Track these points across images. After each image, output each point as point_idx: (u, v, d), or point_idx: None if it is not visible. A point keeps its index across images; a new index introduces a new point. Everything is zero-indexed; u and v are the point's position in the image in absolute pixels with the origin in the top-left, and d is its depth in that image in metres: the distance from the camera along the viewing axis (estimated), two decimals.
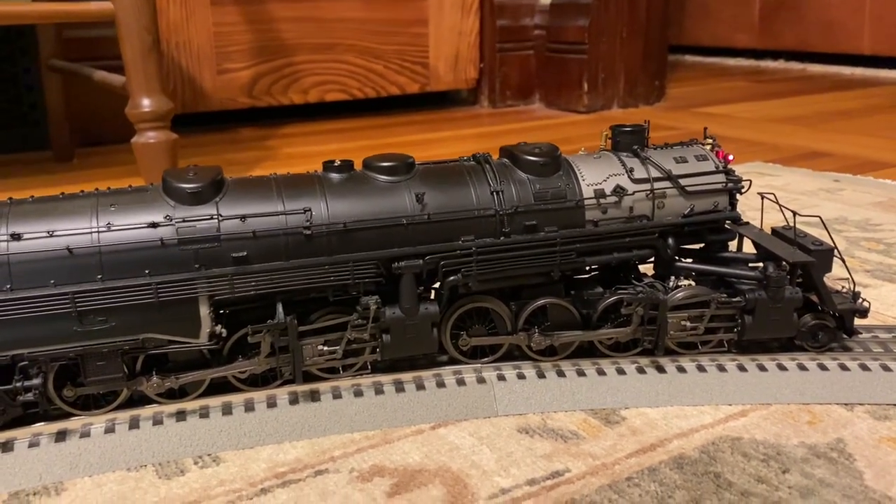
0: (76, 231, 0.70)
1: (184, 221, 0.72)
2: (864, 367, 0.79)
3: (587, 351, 0.84)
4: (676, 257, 0.85)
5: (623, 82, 2.59)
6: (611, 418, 0.76)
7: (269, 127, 2.35)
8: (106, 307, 0.70)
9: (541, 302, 0.81)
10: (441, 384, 0.78)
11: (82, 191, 0.75)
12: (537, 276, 0.81)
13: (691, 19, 3.90)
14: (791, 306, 0.81)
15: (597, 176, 0.82)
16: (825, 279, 0.83)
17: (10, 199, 0.73)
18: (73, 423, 0.73)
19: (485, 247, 0.78)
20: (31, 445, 0.69)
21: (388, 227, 0.76)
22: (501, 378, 0.79)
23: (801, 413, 0.76)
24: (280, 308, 0.75)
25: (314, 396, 0.76)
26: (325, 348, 0.77)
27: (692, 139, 0.88)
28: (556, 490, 0.65)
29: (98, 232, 0.70)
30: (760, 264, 0.84)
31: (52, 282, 0.69)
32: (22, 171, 1.86)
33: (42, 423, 0.73)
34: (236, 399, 0.76)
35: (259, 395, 0.76)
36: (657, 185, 0.82)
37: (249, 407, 0.75)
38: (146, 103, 1.41)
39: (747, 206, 0.97)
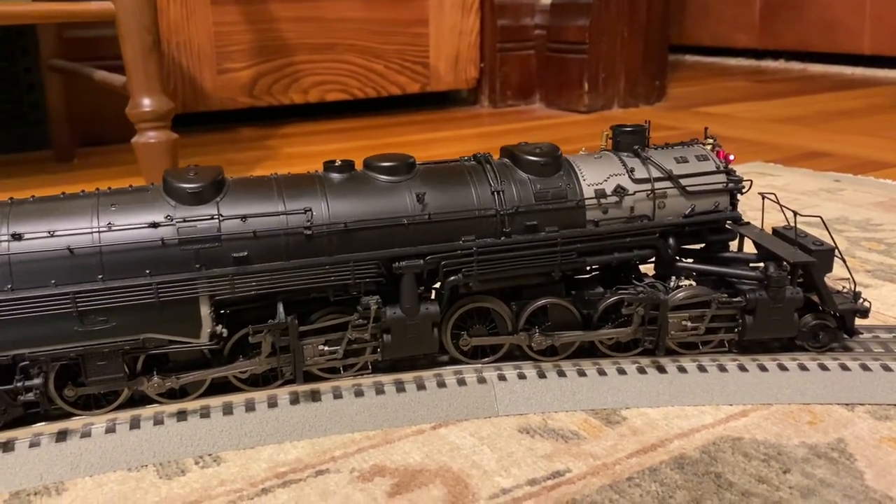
0: (77, 231, 0.70)
1: (184, 221, 0.72)
2: (865, 368, 0.79)
3: (588, 351, 0.83)
4: (677, 257, 0.85)
5: (623, 82, 2.59)
6: (612, 418, 0.76)
7: (269, 127, 2.35)
8: (107, 307, 0.70)
9: (541, 302, 0.81)
10: (442, 384, 0.78)
11: (83, 191, 0.75)
12: (538, 276, 0.81)
13: (692, 19, 3.90)
14: (792, 306, 0.81)
15: (597, 176, 0.82)
16: (826, 279, 0.83)
17: (11, 198, 0.73)
18: (74, 423, 0.73)
19: (485, 247, 0.78)
20: (32, 445, 0.69)
21: (388, 227, 0.76)
22: (502, 378, 0.79)
23: (801, 413, 0.76)
24: (281, 308, 0.75)
25: (315, 396, 0.76)
26: (326, 348, 0.77)
27: (693, 139, 0.88)
28: (556, 490, 0.65)
29: (99, 232, 0.70)
30: (761, 264, 0.84)
31: (52, 282, 0.69)
32: (22, 170, 1.86)
33: (43, 423, 0.73)
34: (237, 399, 0.76)
35: (260, 395, 0.76)
36: (658, 185, 0.82)
37: (250, 407, 0.75)
38: (147, 103, 1.41)
39: (748, 206, 0.97)
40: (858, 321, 0.84)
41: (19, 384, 0.71)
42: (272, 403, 0.75)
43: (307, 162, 1.84)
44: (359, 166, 0.80)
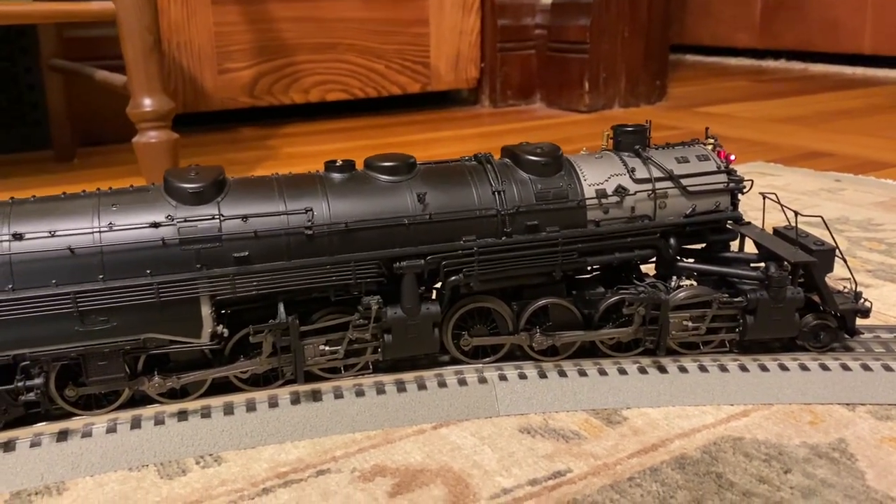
0: (78, 231, 0.70)
1: (185, 221, 0.72)
2: (866, 368, 0.79)
3: (589, 351, 0.83)
4: (678, 257, 0.85)
5: (624, 82, 2.59)
6: (612, 418, 0.76)
7: (270, 126, 2.35)
8: (107, 307, 0.70)
9: (542, 302, 0.81)
10: (443, 384, 0.78)
11: (84, 190, 0.75)
12: (539, 276, 0.81)
13: (692, 19, 3.89)
14: (793, 306, 0.81)
15: (598, 176, 0.82)
16: (827, 279, 0.83)
17: (12, 198, 0.73)
18: (75, 423, 0.73)
19: (486, 247, 0.78)
20: (33, 445, 0.69)
21: (389, 226, 0.76)
22: (503, 378, 0.79)
23: (802, 413, 0.76)
24: (282, 308, 0.75)
25: (316, 396, 0.76)
26: (327, 348, 0.77)
27: (694, 139, 0.88)
28: (557, 490, 0.65)
29: (100, 232, 0.70)
30: (762, 264, 0.84)
31: (53, 282, 0.69)
32: (23, 170, 1.86)
33: (44, 423, 0.73)
34: (238, 399, 0.76)
35: (261, 395, 0.76)
36: (659, 185, 0.82)
37: (251, 407, 0.75)
38: (147, 103, 1.41)
39: (749, 206, 0.97)
40: (859, 321, 0.84)
41: (20, 384, 0.70)
42: (273, 403, 0.75)
43: (308, 162, 1.84)
44: (359, 166, 0.80)
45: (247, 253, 0.73)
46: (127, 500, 0.65)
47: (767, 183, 1.55)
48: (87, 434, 0.71)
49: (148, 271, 0.71)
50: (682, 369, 0.80)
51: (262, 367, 0.76)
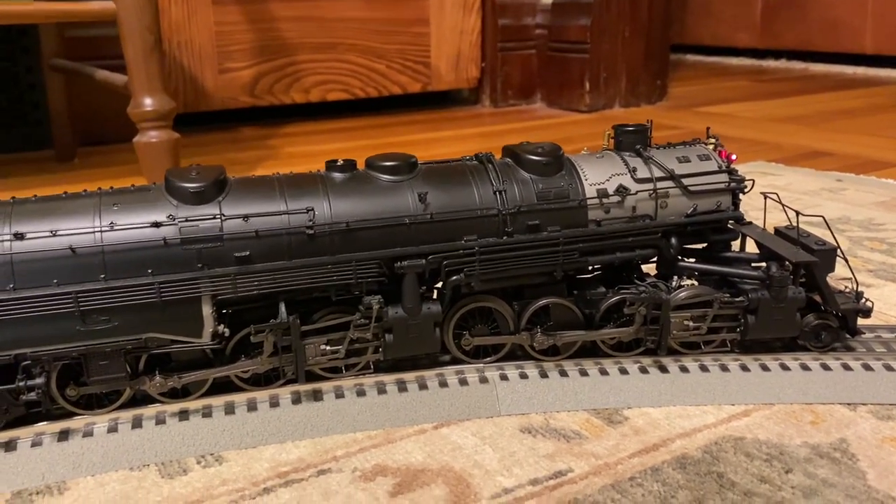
0: (79, 230, 0.70)
1: (186, 221, 0.72)
2: (867, 367, 0.79)
3: (590, 351, 0.83)
4: (679, 257, 0.85)
5: (625, 81, 2.59)
6: (613, 418, 0.76)
7: (270, 126, 2.35)
8: (109, 307, 0.70)
9: (543, 302, 0.81)
10: (444, 384, 0.78)
11: (85, 190, 0.75)
12: (540, 276, 0.81)
13: (693, 18, 3.89)
14: (794, 306, 0.81)
15: (599, 175, 0.82)
16: (828, 279, 0.83)
17: (13, 198, 0.73)
18: (76, 423, 0.73)
19: (487, 246, 0.78)
20: (34, 445, 0.69)
21: (390, 226, 0.76)
22: (504, 378, 0.79)
23: (803, 413, 0.76)
24: (283, 307, 0.75)
25: (317, 396, 0.76)
26: (328, 348, 0.77)
27: (695, 139, 0.88)
28: (558, 490, 0.65)
29: (101, 231, 0.70)
30: (763, 264, 0.84)
31: (55, 281, 0.69)
32: (24, 170, 1.86)
33: (45, 423, 0.73)
34: (239, 398, 0.76)
35: (262, 395, 0.76)
36: (660, 184, 0.82)
37: (252, 406, 0.75)
38: (148, 102, 1.41)
39: (750, 206, 0.97)
40: (861, 321, 0.84)
41: (21, 384, 0.70)
42: (274, 403, 0.75)
43: (309, 161, 1.84)
44: (361, 166, 0.80)
45: (248, 252, 0.73)
46: (128, 499, 0.65)
47: (768, 183, 1.55)
48: (88, 433, 0.71)
49: (149, 271, 0.71)
50: (684, 369, 0.80)
51: (264, 366, 0.76)
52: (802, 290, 0.81)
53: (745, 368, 0.80)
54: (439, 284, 0.80)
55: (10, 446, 0.69)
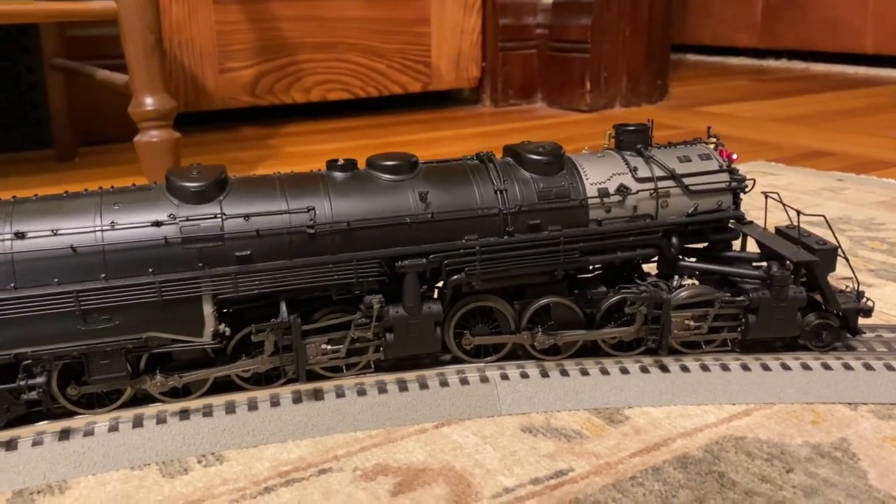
0: (80, 230, 0.70)
1: (187, 220, 0.72)
2: (868, 367, 0.79)
3: (591, 350, 0.83)
4: (680, 256, 0.85)
5: (625, 81, 2.59)
6: (614, 417, 0.75)
7: (271, 126, 2.36)
8: (110, 306, 0.70)
9: (544, 301, 0.81)
10: (444, 383, 0.78)
11: (86, 189, 0.75)
12: (541, 276, 0.81)
13: (694, 18, 3.89)
14: (795, 306, 0.81)
15: (600, 175, 0.81)
16: (829, 278, 0.83)
17: (14, 197, 0.73)
18: (77, 422, 0.73)
19: (488, 246, 0.78)
20: (35, 444, 0.69)
21: (391, 225, 0.76)
22: (505, 377, 0.79)
23: (804, 412, 0.76)
24: (283, 307, 0.75)
25: (318, 395, 0.76)
26: (329, 347, 0.77)
27: (696, 138, 0.88)
28: (559, 489, 0.65)
29: (102, 230, 0.70)
30: (764, 263, 0.84)
31: (55, 280, 0.69)
32: (24, 170, 1.86)
33: (46, 422, 0.73)
34: (240, 398, 0.76)
35: (262, 394, 0.76)
36: (661, 184, 0.82)
37: (253, 406, 0.75)
38: (149, 102, 1.41)
39: (751, 206, 0.97)
40: (861, 320, 0.84)
41: (22, 383, 0.70)
42: (275, 402, 0.75)
43: (309, 161, 1.84)
44: (361, 165, 0.80)
45: (249, 252, 0.73)
46: (129, 498, 0.65)
47: (769, 182, 1.55)
48: (89, 433, 0.71)
49: (150, 270, 0.71)
50: (684, 368, 0.80)
51: (264, 366, 0.76)
52: (803, 289, 0.81)
53: (746, 368, 0.80)
54: (440, 284, 0.80)
55: (11, 445, 0.69)
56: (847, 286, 0.86)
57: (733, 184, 0.84)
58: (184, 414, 0.73)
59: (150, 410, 0.74)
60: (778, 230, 0.89)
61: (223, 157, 1.93)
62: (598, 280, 0.85)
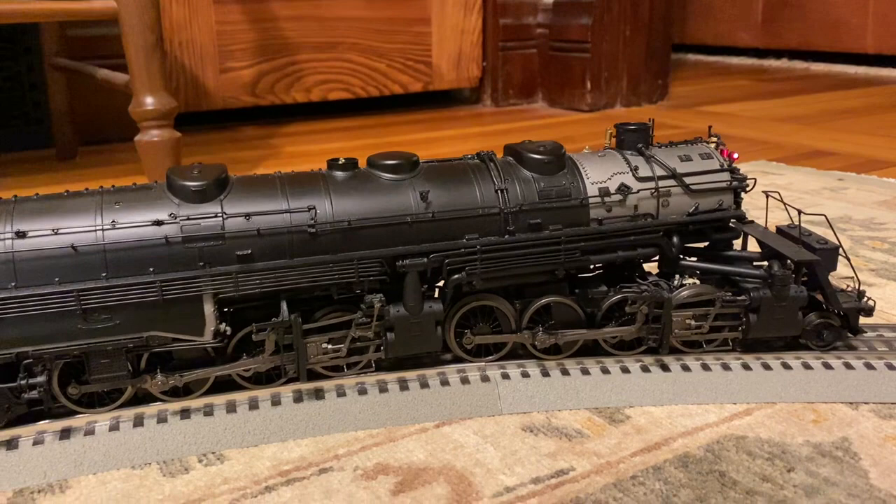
0: (81, 229, 0.70)
1: (188, 219, 0.72)
2: (869, 366, 0.79)
3: (591, 349, 0.83)
4: (681, 256, 0.85)
5: (626, 81, 2.59)
6: (615, 417, 0.75)
7: (272, 125, 2.36)
8: (110, 305, 0.70)
9: (545, 300, 0.81)
10: (445, 382, 0.78)
11: (87, 188, 0.75)
12: (541, 275, 0.81)
13: (694, 18, 3.89)
14: (796, 305, 0.81)
15: (601, 174, 0.81)
16: (830, 278, 0.83)
17: (15, 196, 0.73)
18: (78, 421, 0.73)
19: (489, 245, 0.78)
20: (36, 443, 0.69)
21: (392, 225, 0.76)
22: (506, 376, 0.79)
23: (805, 412, 0.76)
24: (284, 306, 0.75)
25: (318, 394, 0.76)
26: (330, 346, 0.77)
27: (697, 137, 0.88)
28: (560, 488, 0.65)
29: (103, 230, 0.70)
30: (765, 263, 0.84)
31: (56, 279, 0.69)
32: (24, 169, 1.86)
33: (47, 421, 0.73)
34: (240, 397, 0.76)
35: (263, 394, 0.76)
36: (662, 183, 0.82)
37: (254, 405, 0.75)
38: (149, 101, 1.41)
39: (752, 205, 0.97)
40: (862, 320, 0.84)
41: (23, 382, 0.70)
42: (276, 401, 0.75)
43: (310, 161, 1.84)
44: (362, 165, 0.80)
45: (250, 251, 0.73)
46: (129, 498, 0.65)
47: (770, 182, 1.55)
48: (89, 432, 0.71)
49: (151, 269, 0.71)
50: (685, 368, 0.80)
51: (265, 365, 0.76)
52: (804, 288, 0.81)
53: (746, 367, 0.80)
54: (441, 283, 0.80)
55: (11, 444, 0.69)
56: (848, 285, 0.86)
57: (734, 183, 0.84)
58: (185, 413, 0.73)
59: (151, 410, 0.74)
60: (779, 229, 0.89)
61: (224, 156, 1.93)
62: (599, 279, 0.85)
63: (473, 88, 2.69)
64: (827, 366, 0.80)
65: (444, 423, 0.75)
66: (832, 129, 2.19)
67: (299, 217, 0.74)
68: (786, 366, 0.80)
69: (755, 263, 0.85)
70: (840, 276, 0.92)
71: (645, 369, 0.80)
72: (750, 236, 0.87)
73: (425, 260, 0.77)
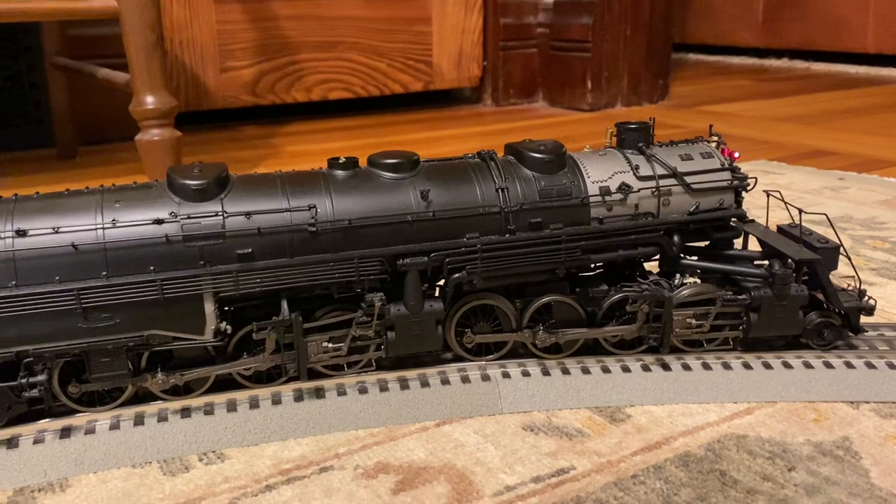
0: (81, 227, 0.70)
1: (189, 218, 0.72)
2: (870, 365, 0.79)
3: (592, 348, 0.83)
4: (682, 255, 0.85)
5: (627, 80, 2.58)
6: (616, 416, 0.75)
7: (272, 125, 2.36)
8: (111, 304, 0.70)
9: (546, 299, 0.81)
10: (445, 381, 0.78)
11: (87, 187, 0.75)
12: (542, 274, 0.81)
13: (695, 17, 3.89)
14: (796, 304, 0.81)
15: (602, 173, 0.81)
16: (831, 277, 0.83)
17: (16, 195, 0.73)
18: (78, 420, 0.73)
19: (490, 244, 0.78)
20: (36, 442, 0.69)
21: (393, 223, 0.76)
22: (506, 375, 0.79)
23: (806, 411, 0.76)
24: (285, 305, 0.75)
25: (319, 393, 0.76)
26: (330, 345, 0.77)
27: (698, 136, 0.88)
28: (561, 488, 0.65)
29: (103, 228, 0.70)
30: (766, 262, 0.84)
31: (57, 278, 0.69)
32: (25, 168, 1.86)
33: (47, 420, 0.73)
34: (241, 396, 0.76)
35: (264, 392, 0.76)
36: (663, 182, 0.82)
37: (254, 404, 0.75)
38: (150, 101, 1.41)
39: (753, 204, 0.97)
40: (863, 319, 0.84)
41: (23, 380, 0.70)
42: (276, 400, 0.75)
43: (310, 160, 1.84)
44: (363, 164, 0.80)
45: (250, 250, 0.73)
46: (130, 496, 0.65)
47: (771, 181, 1.55)
48: (90, 431, 0.71)
49: (151, 268, 0.71)
50: (686, 367, 0.80)
51: (266, 364, 0.76)
52: (805, 288, 0.81)
53: (747, 366, 0.80)
54: (441, 282, 0.80)
55: (12, 443, 0.69)
56: (849, 285, 0.86)
57: (735, 182, 0.84)
58: (185, 412, 0.73)
59: (152, 408, 0.74)
60: (780, 229, 0.89)
61: (224, 155, 1.93)
62: (600, 278, 0.85)
63: (474, 88, 2.69)
64: (828, 365, 0.80)
65: (445, 422, 0.75)
66: (833, 128, 2.19)
67: (300, 216, 0.74)
68: (787, 365, 0.80)
69: (756, 262, 0.85)
70: (841, 275, 0.92)
71: (646, 368, 0.80)
72: (751, 235, 0.87)
73: (426, 259, 0.77)
